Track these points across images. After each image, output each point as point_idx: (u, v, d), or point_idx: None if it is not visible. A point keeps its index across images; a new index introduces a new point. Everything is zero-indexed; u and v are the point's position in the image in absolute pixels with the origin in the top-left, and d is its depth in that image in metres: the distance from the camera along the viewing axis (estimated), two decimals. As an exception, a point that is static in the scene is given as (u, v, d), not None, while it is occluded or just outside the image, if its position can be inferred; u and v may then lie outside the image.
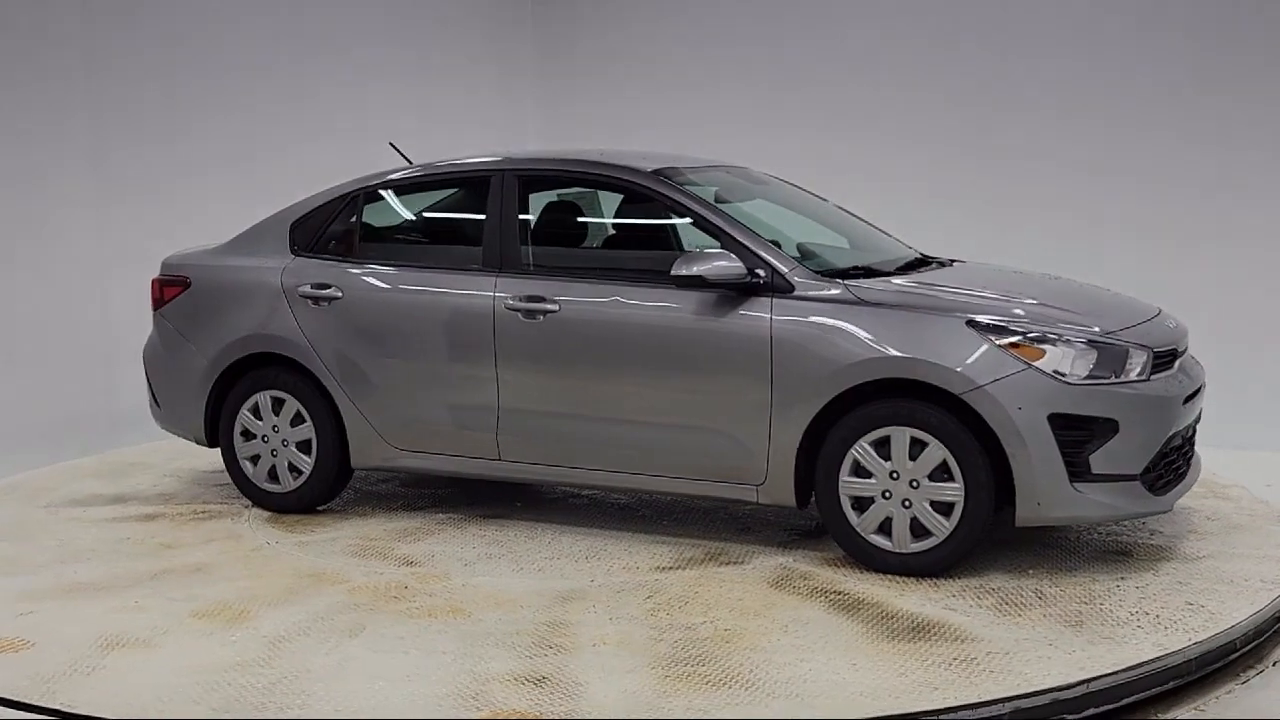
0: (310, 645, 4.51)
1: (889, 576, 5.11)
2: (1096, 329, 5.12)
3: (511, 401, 5.75)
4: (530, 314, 5.68)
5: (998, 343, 5.00)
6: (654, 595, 4.99)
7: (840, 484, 5.19)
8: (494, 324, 5.74)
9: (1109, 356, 5.04)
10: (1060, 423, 4.91)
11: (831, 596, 4.94)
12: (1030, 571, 5.18)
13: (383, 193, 6.32)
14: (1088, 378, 4.98)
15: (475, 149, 6.68)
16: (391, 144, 6.77)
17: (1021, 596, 4.89)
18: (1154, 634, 4.48)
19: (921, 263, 5.98)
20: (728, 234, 5.48)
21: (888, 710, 3.89)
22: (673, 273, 5.34)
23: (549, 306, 5.65)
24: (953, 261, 6.08)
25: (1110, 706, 4.16)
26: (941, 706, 3.92)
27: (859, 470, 5.16)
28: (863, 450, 5.13)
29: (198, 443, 6.48)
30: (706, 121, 9.69)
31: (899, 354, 5.06)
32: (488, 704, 4.00)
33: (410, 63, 10.03)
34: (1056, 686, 4.06)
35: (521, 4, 10.83)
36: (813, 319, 5.24)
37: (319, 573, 5.33)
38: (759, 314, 5.31)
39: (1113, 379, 5.02)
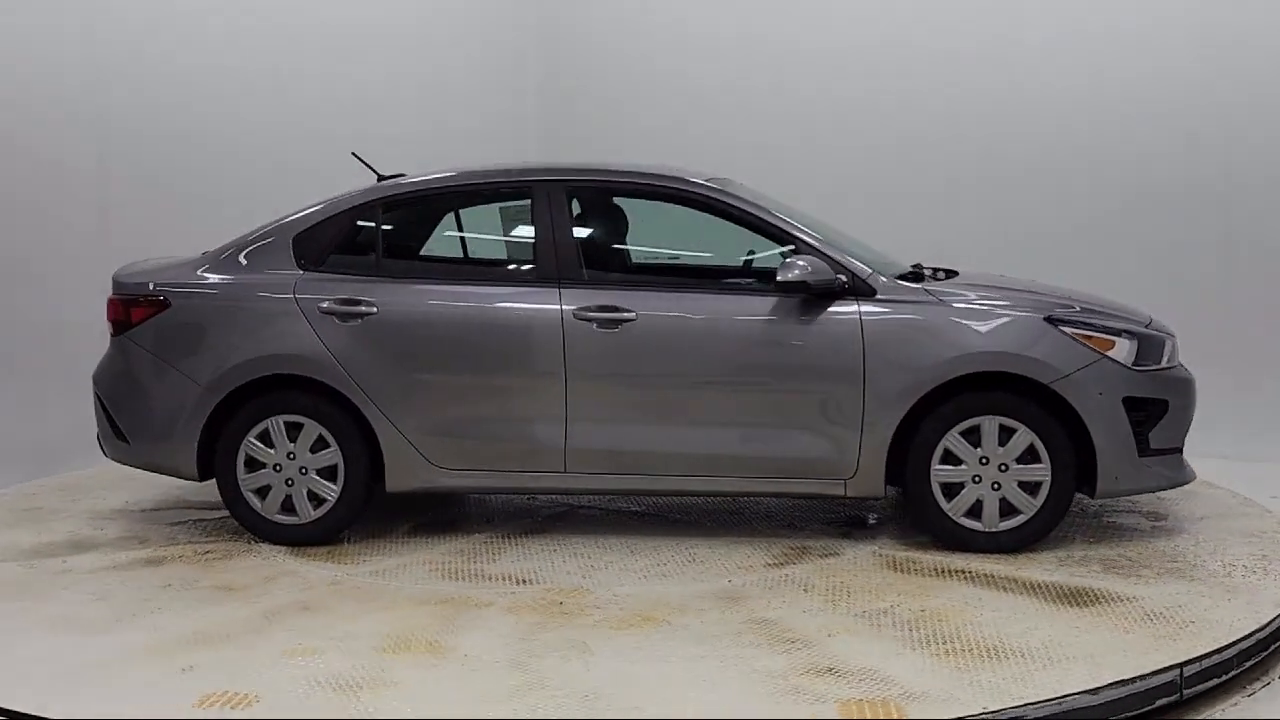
0: (556, 665, 4.34)
1: (986, 554, 5.53)
2: (1145, 321, 5.80)
3: (583, 412, 5.69)
4: (606, 324, 5.66)
5: (1075, 336, 5.56)
6: (809, 589, 5.15)
7: (932, 472, 5.57)
8: (563, 335, 5.66)
9: (1152, 345, 5.72)
10: (1130, 405, 5.55)
11: (962, 575, 5.30)
12: (1093, 540, 5.77)
13: (402, 203, 6.05)
14: (1139, 364, 5.64)
15: (464, 160, 6.48)
16: (355, 154, 6.46)
17: (1117, 562, 5.46)
18: (1266, 580, 5.18)
19: (922, 272, 6.41)
20: (805, 242, 5.72)
21: (1161, 663, 4.29)
22: (779, 279, 5.53)
23: (626, 315, 5.66)
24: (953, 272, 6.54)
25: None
26: (1197, 654, 4.36)
27: (948, 458, 5.56)
28: (954, 439, 5.54)
29: (185, 478, 5.90)
30: (698, 133, 9.68)
31: (993, 350, 5.51)
32: (820, 697, 4.04)
33: (410, 74, 9.65)
34: (1256, 629, 4.64)
35: (525, 13, 10.52)
36: (902, 320, 5.58)
37: (444, 599, 5.07)
38: (848, 316, 5.59)
39: (1154, 365, 5.71)
